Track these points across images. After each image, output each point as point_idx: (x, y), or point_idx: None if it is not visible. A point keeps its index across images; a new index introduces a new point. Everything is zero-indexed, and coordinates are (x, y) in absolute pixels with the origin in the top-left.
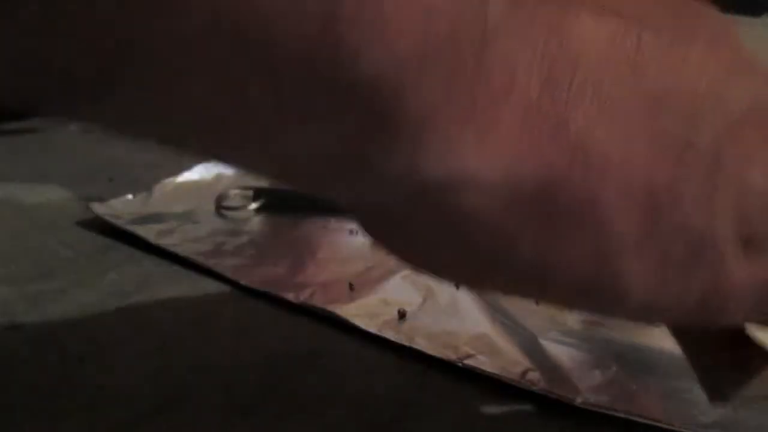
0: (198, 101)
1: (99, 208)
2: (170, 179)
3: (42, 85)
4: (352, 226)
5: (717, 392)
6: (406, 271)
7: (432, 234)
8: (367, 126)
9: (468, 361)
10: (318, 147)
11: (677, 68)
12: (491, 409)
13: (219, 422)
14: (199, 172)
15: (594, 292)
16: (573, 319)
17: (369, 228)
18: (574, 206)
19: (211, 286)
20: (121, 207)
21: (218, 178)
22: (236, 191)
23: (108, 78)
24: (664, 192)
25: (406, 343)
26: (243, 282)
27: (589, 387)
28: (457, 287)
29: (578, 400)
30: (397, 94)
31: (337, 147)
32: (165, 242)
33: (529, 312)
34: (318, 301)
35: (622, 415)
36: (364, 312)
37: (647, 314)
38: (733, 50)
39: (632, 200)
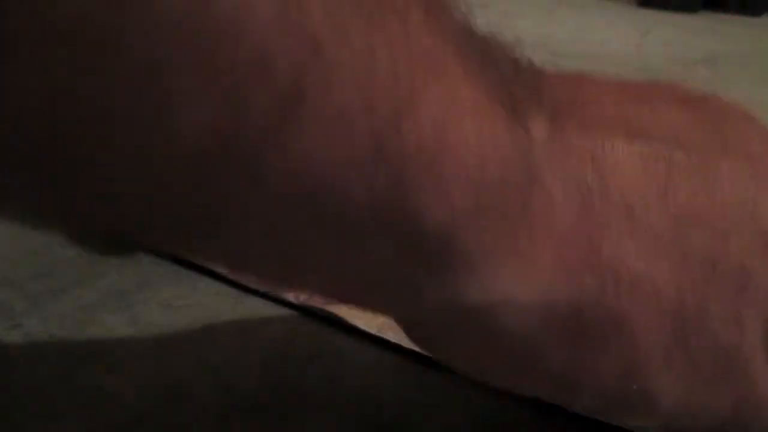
0: (269, 249)
1: None
2: None
3: (140, 227)
4: None
5: None
6: None
7: (472, 346)
8: (422, 261)
9: None
10: (374, 276)
11: (709, 187)
12: (491, 410)
13: (219, 422)
14: None
15: (623, 405)
16: None
17: (411, 335)
18: (604, 324)
19: (211, 286)
20: None
21: None
22: None
23: (208, 227)
24: (693, 310)
25: (406, 345)
26: (243, 282)
27: None
28: None
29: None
30: (452, 238)
31: (391, 276)
32: None
33: None
34: (318, 301)
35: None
36: (364, 313)
37: (678, 425)
38: None
39: (660, 318)
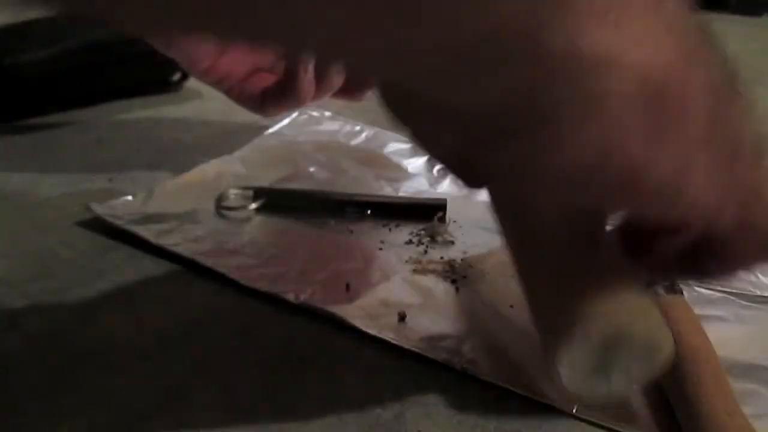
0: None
1: (99, 208)
2: (170, 179)
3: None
4: (352, 226)
5: None
6: (405, 273)
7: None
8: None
9: (467, 365)
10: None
11: None
12: (491, 410)
13: (219, 422)
14: (199, 173)
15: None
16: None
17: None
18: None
19: (211, 286)
20: (121, 207)
21: (218, 178)
22: (236, 191)
23: None
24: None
25: (406, 346)
26: (243, 282)
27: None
28: (457, 290)
29: (573, 410)
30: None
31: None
32: (165, 242)
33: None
34: (317, 301)
35: (612, 428)
36: (364, 313)
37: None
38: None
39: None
